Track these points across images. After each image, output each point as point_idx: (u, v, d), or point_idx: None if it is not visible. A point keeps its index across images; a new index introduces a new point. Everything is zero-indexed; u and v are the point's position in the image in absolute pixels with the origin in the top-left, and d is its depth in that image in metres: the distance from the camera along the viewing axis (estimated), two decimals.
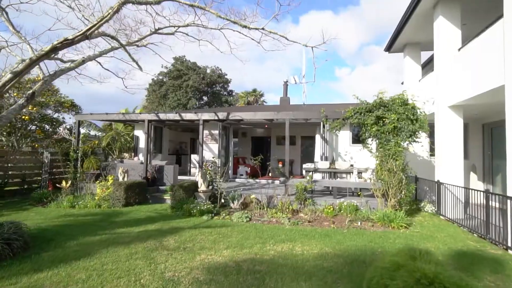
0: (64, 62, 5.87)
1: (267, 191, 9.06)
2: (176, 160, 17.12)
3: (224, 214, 7.71)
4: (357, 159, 10.96)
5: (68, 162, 10.71)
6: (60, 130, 11.84)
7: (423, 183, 9.55)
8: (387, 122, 8.07)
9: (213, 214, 7.68)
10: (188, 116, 9.87)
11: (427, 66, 13.99)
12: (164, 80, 30.04)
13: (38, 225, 6.45)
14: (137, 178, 10.54)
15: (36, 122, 12.11)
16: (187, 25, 7.77)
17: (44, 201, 9.13)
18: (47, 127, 12.40)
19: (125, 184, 8.90)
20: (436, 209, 8.33)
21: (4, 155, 10.55)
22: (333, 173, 10.19)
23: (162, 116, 10.04)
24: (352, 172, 8.90)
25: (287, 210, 7.95)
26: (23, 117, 11.19)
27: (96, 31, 4.82)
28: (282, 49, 8.36)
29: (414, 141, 8.06)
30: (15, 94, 11.36)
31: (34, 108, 11.67)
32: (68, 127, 13.74)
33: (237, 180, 13.35)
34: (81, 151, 11.41)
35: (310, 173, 9.40)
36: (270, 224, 7.00)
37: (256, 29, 6.34)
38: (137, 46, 8.15)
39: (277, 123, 13.76)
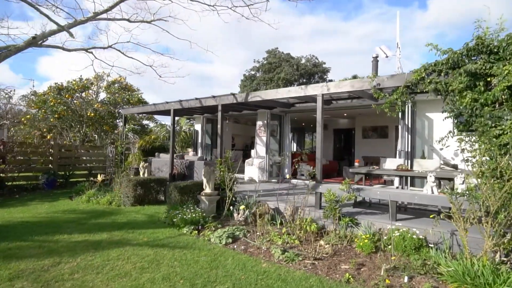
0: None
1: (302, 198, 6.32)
2: (243, 156, 15.78)
3: (211, 228, 5.60)
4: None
5: (116, 157, 10.81)
6: (119, 125, 12.26)
7: None
8: (495, 83, 4.14)
9: (198, 227, 5.70)
10: (208, 101, 8.16)
11: None
12: (257, 75, 29.40)
13: (9, 220, 6.07)
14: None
15: (104, 119, 12.96)
16: None
17: (80, 193, 9.25)
18: (112, 122, 13.14)
19: (134, 180, 7.96)
20: None
21: (70, 149, 11.53)
22: (409, 178, 6.46)
23: (185, 103, 8.69)
24: (430, 177, 5.13)
25: (301, 231, 5.16)
26: (89, 114, 12.04)
27: None
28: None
29: None
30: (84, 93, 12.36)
31: (101, 106, 12.45)
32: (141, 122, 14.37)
33: (293, 181, 10.71)
34: (137, 146, 11.44)
35: (360, 177, 6.11)
36: (252, 255, 4.48)
37: None
38: (129, 21, 7.01)
39: (358, 109, 10.65)
